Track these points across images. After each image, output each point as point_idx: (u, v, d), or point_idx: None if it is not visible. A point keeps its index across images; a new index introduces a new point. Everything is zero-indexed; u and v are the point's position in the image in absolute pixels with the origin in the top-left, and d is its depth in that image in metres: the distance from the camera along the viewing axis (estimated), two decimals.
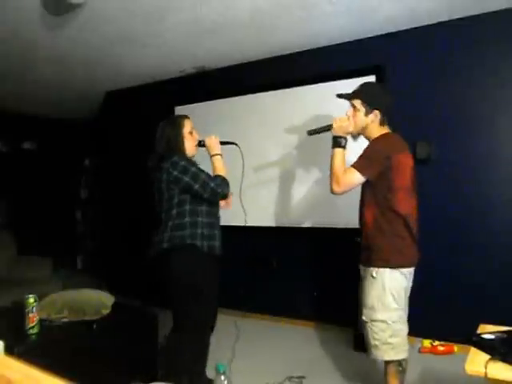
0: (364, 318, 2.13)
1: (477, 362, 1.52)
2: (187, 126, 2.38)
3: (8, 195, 5.69)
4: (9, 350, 0.97)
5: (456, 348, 3.04)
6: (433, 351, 3.10)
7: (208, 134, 2.46)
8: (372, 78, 3.50)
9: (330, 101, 3.71)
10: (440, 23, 3.23)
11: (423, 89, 3.29)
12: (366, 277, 2.14)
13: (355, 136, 2.26)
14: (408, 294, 2.16)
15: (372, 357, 2.14)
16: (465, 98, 3.17)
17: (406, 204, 2.07)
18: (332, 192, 2.14)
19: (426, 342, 3.15)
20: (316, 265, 3.83)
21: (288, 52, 3.91)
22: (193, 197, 2.25)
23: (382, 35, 3.47)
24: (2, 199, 5.62)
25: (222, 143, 2.47)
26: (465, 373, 1.52)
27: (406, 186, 2.07)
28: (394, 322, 2.07)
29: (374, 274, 2.08)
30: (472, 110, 3.15)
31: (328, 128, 2.26)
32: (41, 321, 2.23)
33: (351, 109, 2.19)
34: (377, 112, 2.14)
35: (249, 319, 3.97)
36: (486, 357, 1.52)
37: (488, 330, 1.77)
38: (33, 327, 2.16)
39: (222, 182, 2.28)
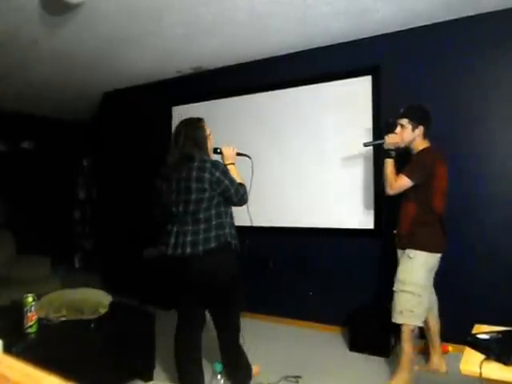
0: (395, 288, 2.59)
1: (471, 362, 1.53)
2: (207, 129, 2.41)
3: (6, 194, 5.68)
4: (7, 349, 0.98)
5: (451, 348, 3.04)
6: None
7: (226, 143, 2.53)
8: (368, 79, 3.52)
9: (326, 101, 3.75)
10: (435, 24, 3.25)
11: (419, 89, 3.30)
12: (403, 257, 2.62)
13: (400, 148, 2.74)
14: (433, 275, 2.63)
15: (394, 321, 2.55)
16: (460, 97, 3.19)
17: (441, 203, 2.58)
18: (386, 194, 2.71)
19: (421, 343, 3.15)
20: (312, 265, 3.83)
21: (285, 52, 3.92)
22: (225, 199, 2.31)
23: (378, 36, 3.49)
24: (1, 198, 5.61)
25: (238, 154, 2.56)
26: (459, 373, 1.53)
27: (442, 189, 2.57)
28: (419, 295, 2.50)
29: (412, 255, 2.54)
30: (468, 110, 3.17)
31: (381, 142, 2.78)
32: (39, 320, 2.24)
33: (399, 127, 2.69)
34: (421, 127, 2.63)
35: (244, 319, 3.97)
36: (481, 357, 1.53)
37: (483, 330, 1.78)
38: (31, 326, 2.18)
39: (246, 190, 2.40)
